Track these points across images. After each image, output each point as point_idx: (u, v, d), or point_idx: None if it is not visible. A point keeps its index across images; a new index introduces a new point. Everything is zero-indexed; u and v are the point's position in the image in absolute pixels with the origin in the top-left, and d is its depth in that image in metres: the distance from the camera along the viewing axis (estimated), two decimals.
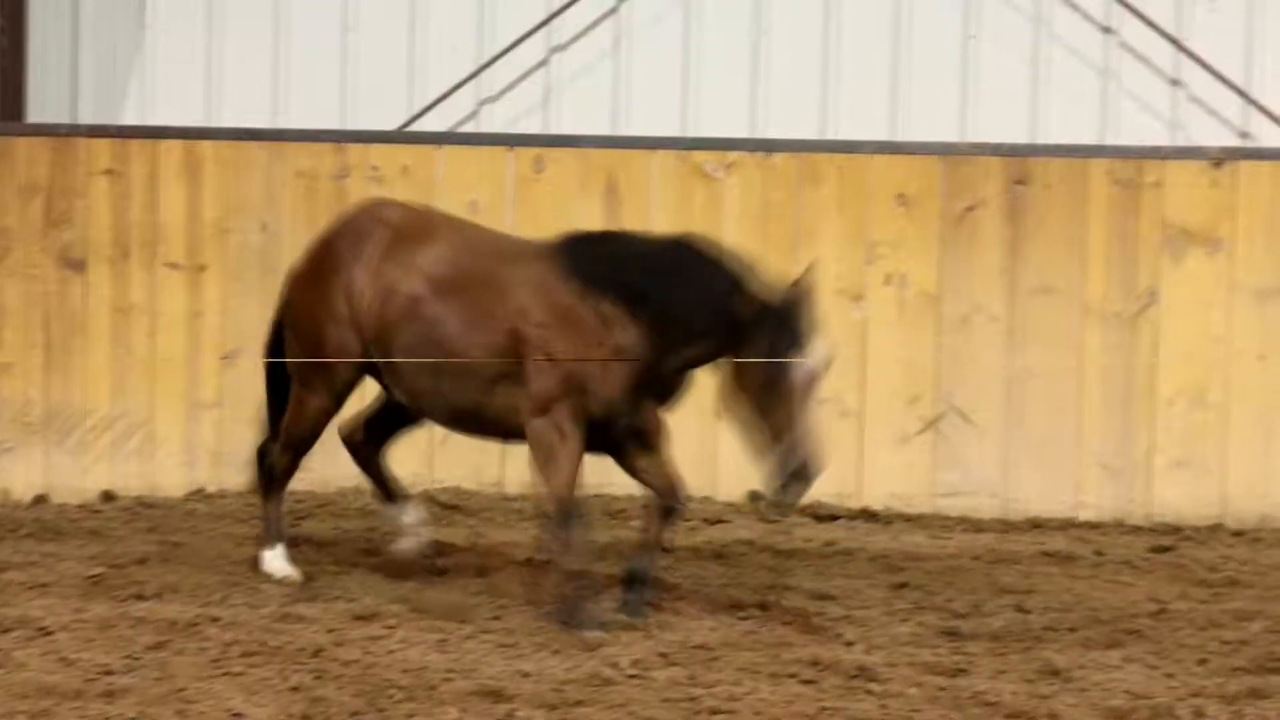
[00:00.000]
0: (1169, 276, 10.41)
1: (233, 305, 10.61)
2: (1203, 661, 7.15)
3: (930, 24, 11.60)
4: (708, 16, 11.76)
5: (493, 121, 11.85)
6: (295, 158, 10.70)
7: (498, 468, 10.51)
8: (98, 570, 8.50)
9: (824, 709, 6.38)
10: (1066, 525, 10.28)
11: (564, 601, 7.59)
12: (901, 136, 11.44)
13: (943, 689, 6.67)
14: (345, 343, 8.22)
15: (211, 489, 10.61)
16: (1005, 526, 10.26)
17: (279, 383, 8.66)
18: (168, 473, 10.68)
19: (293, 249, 10.47)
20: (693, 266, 7.65)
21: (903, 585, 8.58)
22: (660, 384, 7.82)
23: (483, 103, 11.85)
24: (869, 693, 6.62)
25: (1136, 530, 10.23)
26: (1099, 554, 9.56)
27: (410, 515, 8.73)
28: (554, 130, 11.71)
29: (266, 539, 8.60)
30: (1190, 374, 10.42)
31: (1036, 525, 10.27)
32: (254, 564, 8.59)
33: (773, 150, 10.61)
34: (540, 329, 7.73)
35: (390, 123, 11.52)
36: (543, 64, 11.86)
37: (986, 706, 6.46)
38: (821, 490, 10.27)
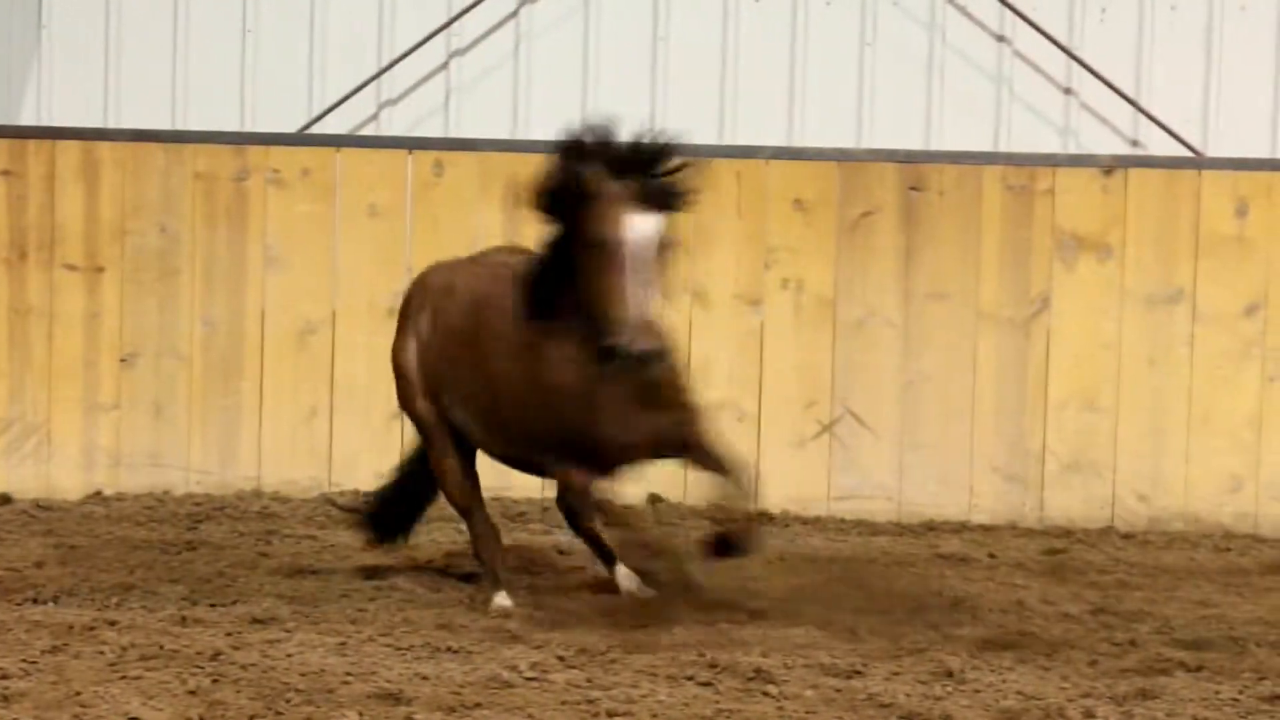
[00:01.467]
0: (1061, 282, 10.53)
1: (131, 307, 10.56)
2: (1093, 663, 7.22)
3: (827, 31, 11.67)
4: (606, 22, 11.79)
5: (393, 124, 11.84)
6: (194, 159, 10.66)
7: None
8: None
9: (721, 711, 6.41)
10: (960, 528, 10.37)
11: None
12: (799, 142, 11.50)
13: (838, 690, 6.71)
14: (421, 405, 8.33)
15: (109, 492, 10.56)
16: (900, 529, 10.34)
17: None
18: (65, 475, 10.62)
19: (191, 251, 10.50)
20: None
21: (799, 588, 8.62)
22: None
23: (383, 105, 11.84)
24: (766, 694, 6.64)
25: (1029, 533, 10.33)
26: (992, 556, 9.65)
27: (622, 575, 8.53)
28: (454, 133, 11.71)
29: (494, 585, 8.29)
30: (1081, 379, 10.54)
31: (931, 528, 10.36)
32: (152, 565, 8.54)
33: None
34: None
35: (291, 125, 11.50)
36: (443, 67, 11.87)
37: (882, 708, 6.50)
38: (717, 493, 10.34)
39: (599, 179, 7.26)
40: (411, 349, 8.29)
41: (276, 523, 10.00)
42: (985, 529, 10.37)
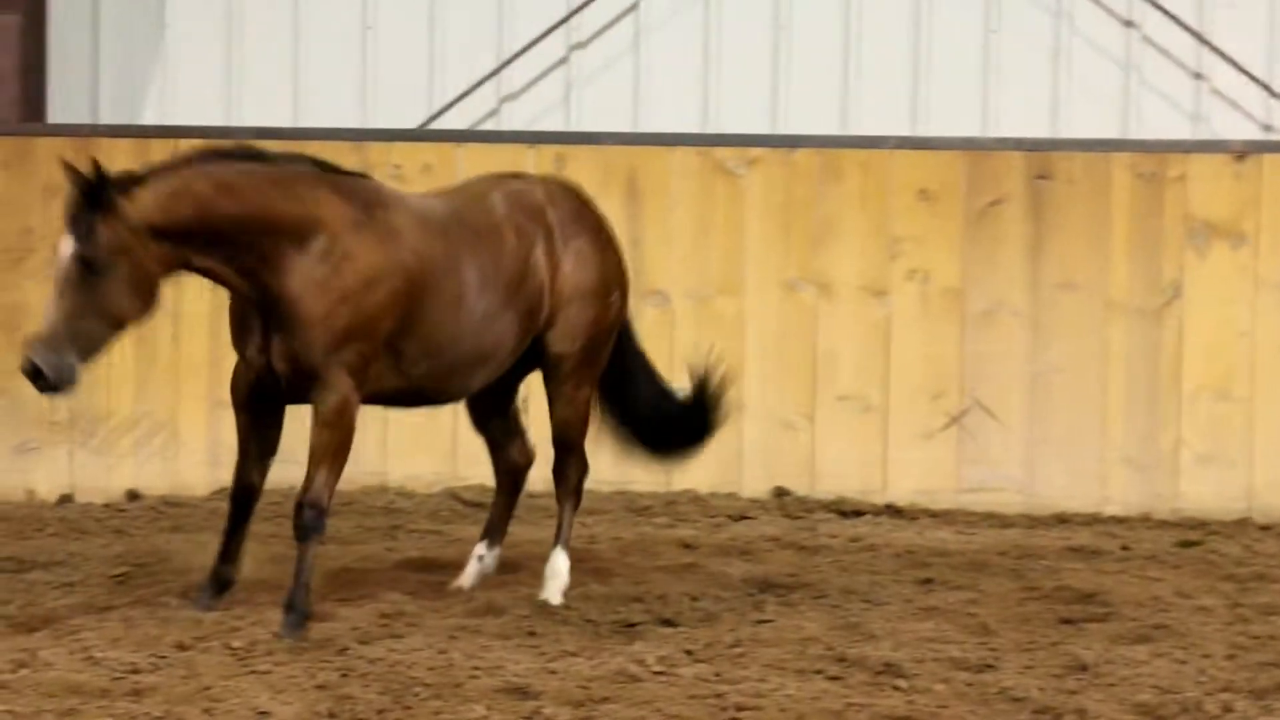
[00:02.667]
0: (1193, 270, 10.38)
1: None
2: (1231, 656, 7.12)
3: (951, 18, 11.57)
4: (728, 12, 11.74)
5: (513, 119, 11.84)
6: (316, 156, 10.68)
7: None
8: (123, 569, 8.50)
9: (850, 705, 6.36)
10: (1092, 520, 10.25)
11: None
12: (923, 132, 11.42)
13: (970, 685, 6.65)
14: None
15: None
16: (1031, 522, 10.23)
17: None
18: (191, 471, 10.68)
19: None
20: None
21: (928, 581, 8.56)
22: None
23: (503, 100, 11.84)
24: (895, 689, 6.60)
25: (1163, 525, 10.20)
26: (1125, 549, 9.53)
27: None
28: (574, 127, 11.69)
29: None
30: (1215, 368, 10.39)
31: (1062, 520, 10.24)
32: (279, 560, 8.58)
33: (795, 146, 10.59)
34: None
35: (411, 121, 11.51)
36: (563, 61, 11.85)
37: (1014, 702, 6.44)
38: (847, 486, 10.30)
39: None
40: None
41: (402, 518, 10.02)
42: (1118, 521, 10.25)
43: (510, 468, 8.55)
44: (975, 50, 11.58)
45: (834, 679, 6.72)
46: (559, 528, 8.26)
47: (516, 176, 8.53)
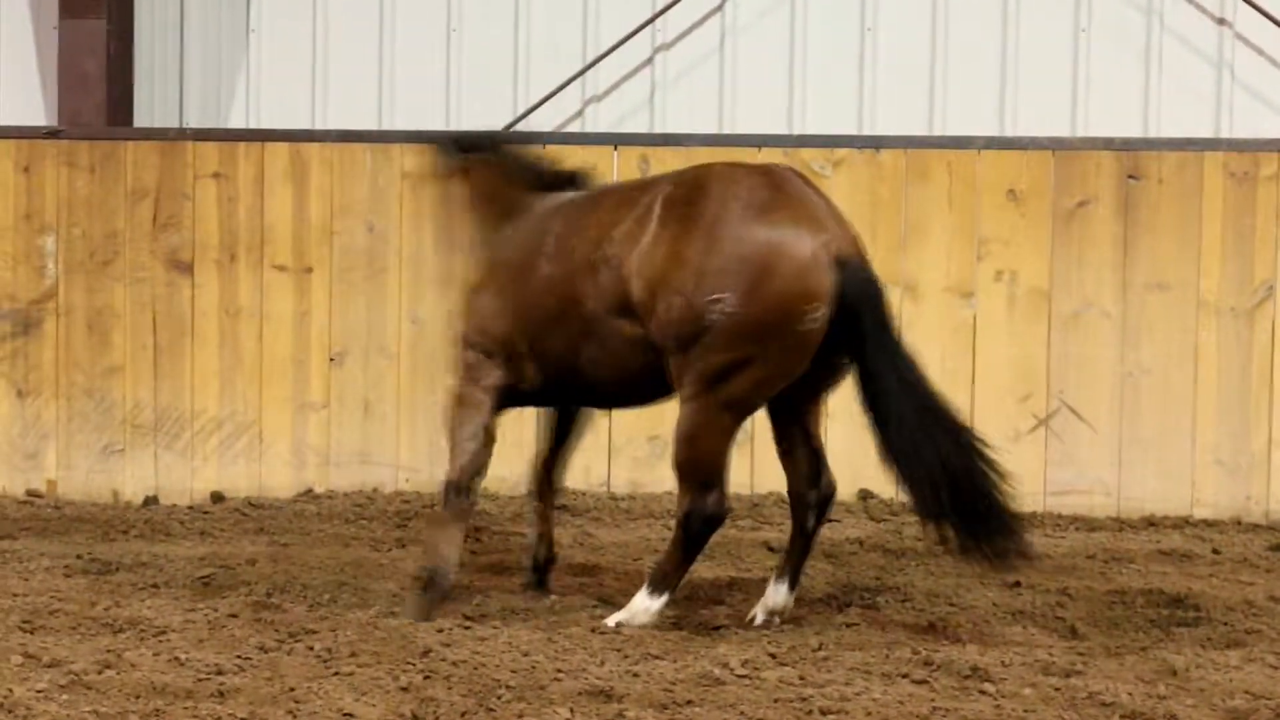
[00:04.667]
0: None
1: (339, 306, 10.63)
2: None
3: (1040, 17, 11.48)
4: (813, 13, 11.69)
5: (598, 121, 11.83)
6: (401, 159, 10.72)
7: (604, 467, 10.49)
8: (207, 571, 8.53)
9: (937, 709, 6.30)
10: (1182, 523, 10.15)
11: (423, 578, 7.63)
12: (1011, 131, 11.34)
13: (1058, 689, 6.57)
14: None
15: (319, 489, 10.65)
16: (1120, 525, 10.15)
17: None
18: (276, 474, 10.72)
19: (399, 250, 10.56)
20: None
21: (1015, 584, 8.48)
22: None
23: (588, 102, 11.83)
24: (983, 693, 6.53)
25: (1254, 528, 10.10)
26: (1216, 552, 9.43)
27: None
28: (660, 129, 11.68)
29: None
30: None
31: (1151, 523, 10.15)
32: (361, 564, 8.60)
33: (881, 147, 10.53)
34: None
35: (496, 122, 11.52)
36: (648, 62, 11.83)
37: (1103, 707, 6.36)
38: None
39: None
40: None
41: (485, 519, 10.01)
42: (1208, 524, 10.14)
43: (797, 499, 7.70)
44: (1065, 49, 11.48)
45: (920, 683, 6.66)
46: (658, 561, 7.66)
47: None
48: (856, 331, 7.11)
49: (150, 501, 10.66)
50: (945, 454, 7.09)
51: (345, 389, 10.64)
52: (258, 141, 10.86)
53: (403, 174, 10.70)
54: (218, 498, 10.63)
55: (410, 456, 10.65)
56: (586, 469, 10.49)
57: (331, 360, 10.66)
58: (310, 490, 10.68)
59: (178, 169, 10.77)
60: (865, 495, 10.32)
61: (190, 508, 10.44)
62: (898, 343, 7.20)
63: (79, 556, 8.97)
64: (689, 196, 7.30)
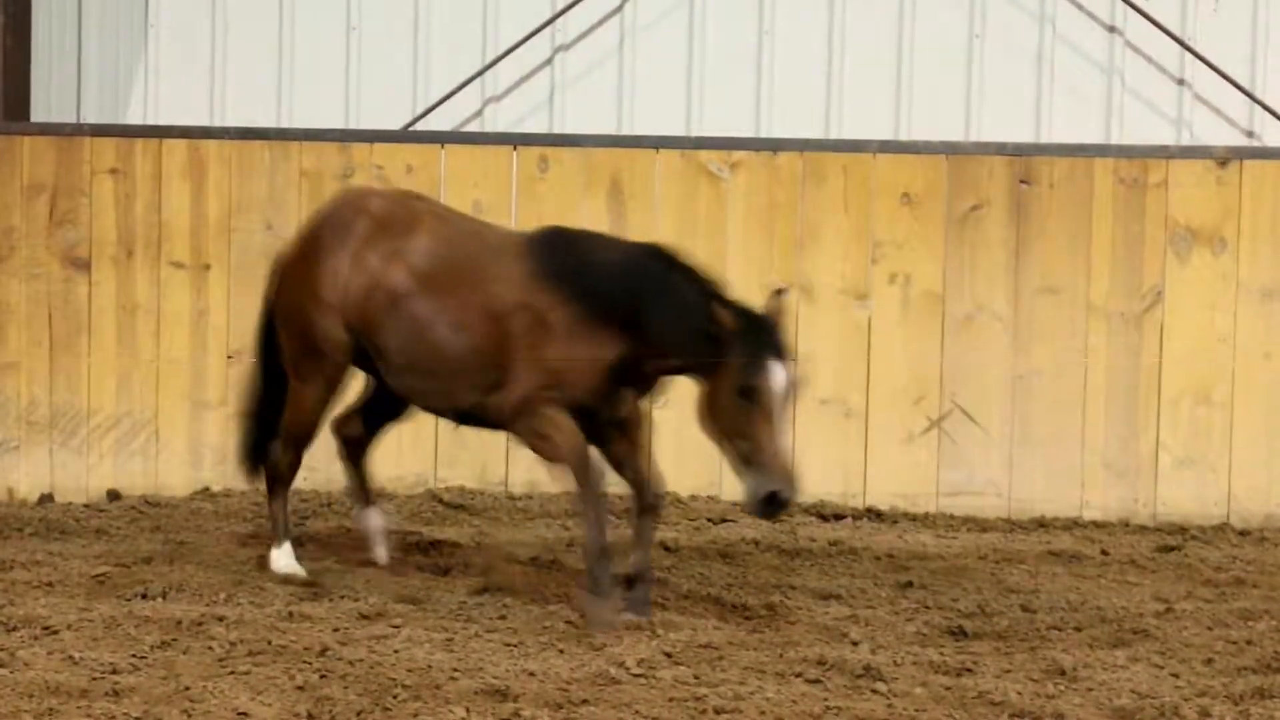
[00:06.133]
0: (1174, 276, 10.41)
1: (237, 304, 10.59)
2: (1209, 661, 7.14)
3: (935, 23, 11.59)
4: (711, 15, 11.75)
5: (497, 121, 11.84)
6: (300, 157, 10.70)
7: (502, 467, 10.51)
8: (103, 569, 8.49)
9: (830, 708, 6.37)
10: (1072, 525, 10.28)
11: (590, 581, 7.65)
12: (906, 136, 11.43)
13: (948, 688, 6.66)
14: (332, 332, 8.24)
15: (216, 488, 10.61)
16: (1010, 526, 10.26)
17: (272, 379, 8.66)
18: (173, 472, 10.68)
19: None
20: (666, 278, 7.66)
21: (908, 584, 8.57)
22: (639, 380, 7.86)
23: (487, 102, 11.84)
24: (875, 692, 6.61)
25: (1142, 530, 10.23)
26: (1105, 553, 9.55)
27: (378, 520, 8.81)
28: (558, 129, 11.70)
29: (274, 537, 8.62)
30: (1195, 373, 10.42)
31: (1042, 525, 10.27)
32: (261, 563, 8.59)
33: (778, 149, 10.60)
34: (523, 333, 7.78)
35: (395, 122, 11.51)
36: (547, 63, 11.85)
37: (992, 706, 6.45)
38: (826, 490, 10.32)
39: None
40: (342, 277, 8.20)
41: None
42: (1097, 525, 10.27)
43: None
44: (959, 54, 11.59)
45: (813, 682, 6.72)
46: None
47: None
48: None
49: (45, 499, 10.59)
50: None
51: (243, 387, 10.61)
52: (156, 138, 10.80)
53: (301, 172, 10.68)
54: (114, 496, 10.58)
55: (308, 456, 10.56)
56: (484, 468, 10.52)
57: (229, 358, 10.63)
58: (207, 489, 10.64)
59: (75, 165, 10.71)
60: None
61: (86, 506, 10.37)
62: None
63: None
64: None
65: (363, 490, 8.86)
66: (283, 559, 8.53)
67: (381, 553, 8.73)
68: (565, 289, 7.75)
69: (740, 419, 7.38)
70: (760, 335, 7.42)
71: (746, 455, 7.38)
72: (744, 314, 7.48)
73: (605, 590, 7.59)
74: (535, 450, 7.92)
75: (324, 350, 8.30)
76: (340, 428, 8.82)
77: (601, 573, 7.61)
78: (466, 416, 8.26)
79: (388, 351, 8.16)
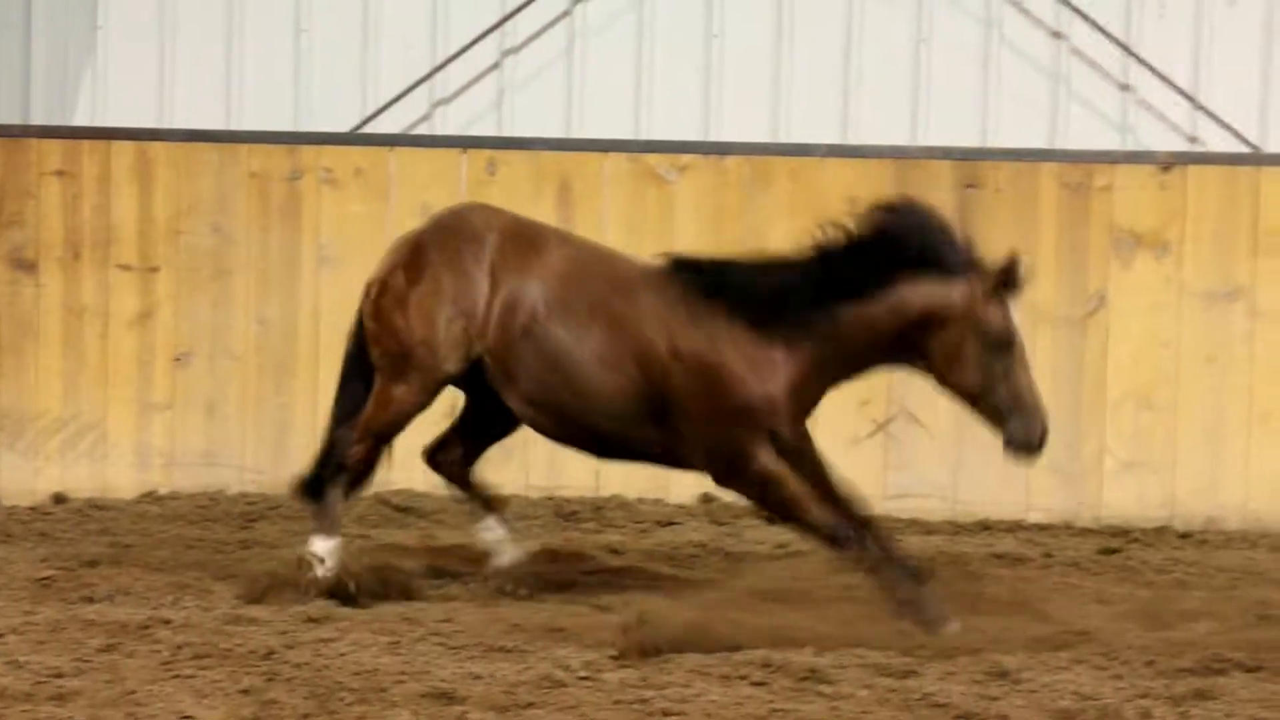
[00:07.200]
0: (1118, 280, 10.49)
1: (185, 307, 10.59)
2: (1150, 663, 7.17)
3: (881, 28, 11.61)
4: (660, 19, 11.75)
5: (446, 124, 11.83)
6: (248, 159, 10.70)
7: None
8: (48, 573, 8.47)
9: (775, 710, 6.39)
10: (1016, 527, 10.34)
11: (908, 606, 7.67)
12: (853, 140, 11.45)
13: (893, 690, 6.69)
14: (456, 343, 8.09)
15: (163, 491, 10.60)
16: (955, 528, 10.31)
17: (353, 382, 8.48)
18: (119, 475, 10.66)
19: (244, 250, 10.53)
20: (833, 267, 7.77)
21: (852, 586, 8.58)
22: (818, 392, 8.03)
23: (436, 105, 11.84)
24: (820, 694, 6.63)
25: (1085, 532, 10.30)
26: (1048, 556, 9.60)
27: (498, 530, 8.63)
28: (508, 132, 11.69)
29: (321, 529, 8.26)
30: (1138, 377, 10.49)
31: (986, 527, 10.33)
32: (205, 565, 8.58)
33: (725, 153, 10.64)
34: (695, 376, 7.78)
35: (344, 124, 11.50)
36: (496, 66, 11.85)
37: (936, 708, 6.48)
38: None
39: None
40: (480, 290, 8.07)
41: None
42: (1041, 528, 10.34)
43: None
44: (905, 59, 11.62)
45: (758, 684, 6.75)
46: None
47: None
48: None
49: None
50: None
51: (190, 390, 10.60)
52: (103, 140, 10.79)
53: (250, 174, 10.68)
54: (60, 499, 10.54)
55: (255, 458, 10.63)
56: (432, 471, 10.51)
57: (176, 361, 10.62)
58: (154, 492, 10.62)
59: (21, 166, 10.69)
60: (707, 499, 10.40)
61: (32, 509, 10.34)
62: None
63: None
64: None
65: (480, 502, 8.66)
66: (323, 549, 8.19)
67: (504, 562, 8.52)
68: (730, 313, 7.75)
69: (993, 370, 7.56)
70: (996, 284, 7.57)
71: (1005, 403, 7.58)
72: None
73: (929, 606, 7.66)
74: (765, 509, 7.99)
75: (434, 358, 8.11)
76: (436, 457, 8.64)
77: (918, 595, 7.69)
78: (608, 448, 8.25)
79: (517, 378, 8.05)
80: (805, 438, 8.04)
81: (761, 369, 7.73)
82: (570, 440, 8.25)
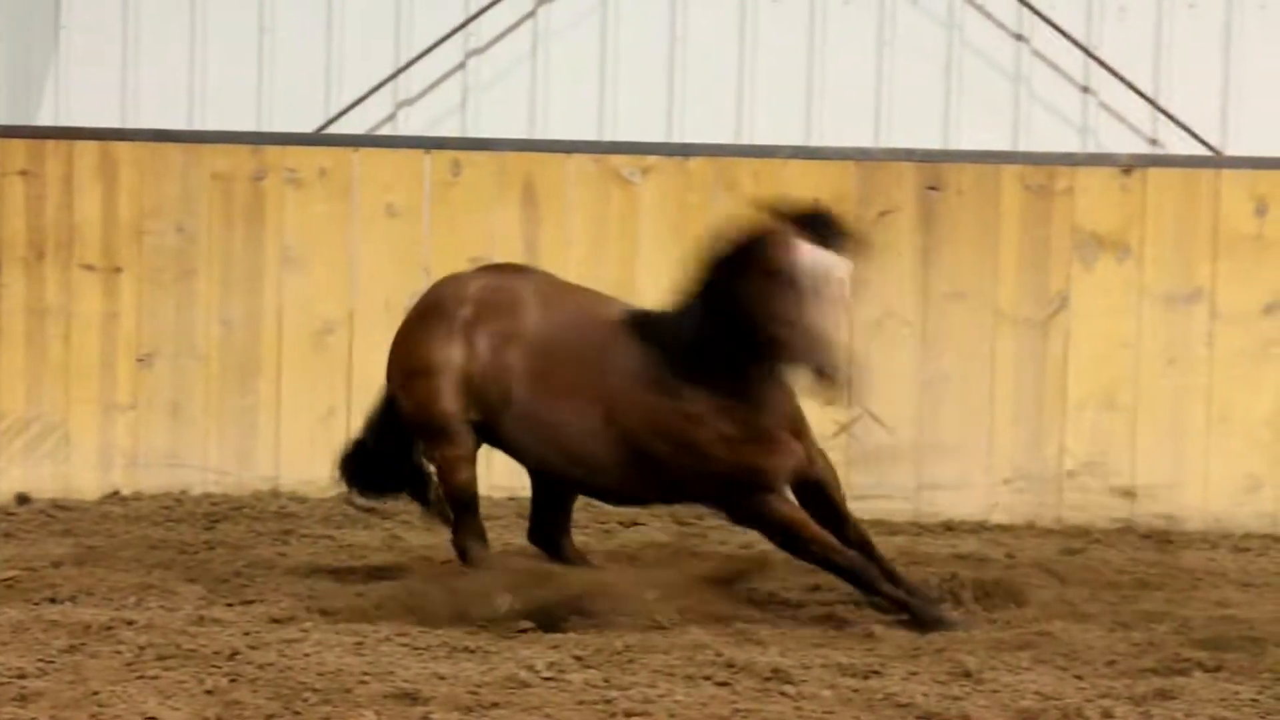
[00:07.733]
0: (1079, 282, 10.52)
1: (148, 307, 10.57)
2: (1111, 663, 7.20)
3: (845, 30, 11.65)
4: (624, 22, 11.78)
5: (410, 124, 11.84)
6: (212, 160, 10.69)
7: None
8: (11, 573, 8.45)
9: (738, 710, 6.40)
10: (979, 528, 10.36)
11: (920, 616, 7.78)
12: (816, 142, 11.49)
13: (856, 690, 6.70)
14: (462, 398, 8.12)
15: (127, 492, 10.58)
16: (918, 529, 10.33)
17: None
18: (83, 476, 10.64)
19: (208, 251, 10.52)
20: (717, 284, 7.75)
21: (816, 588, 8.61)
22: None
23: (400, 105, 11.84)
24: (783, 694, 6.64)
25: (1047, 533, 10.32)
26: (1010, 556, 9.63)
27: None
28: (471, 133, 11.70)
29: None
30: (1100, 378, 10.53)
31: (949, 528, 10.35)
32: (171, 565, 8.57)
33: (689, 155, 10.66)
34: (685, 435, 7.79)
35: (308, 125, 11.50)
36: (461, 67, 11.86)
37: (899, 708, 6.49)
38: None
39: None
40: (459, 353, 8.08)
41: (294, 522, 10.01)
42: (1003, 529, 10.37)
43: None
44: (868, 61, 11.66)
45: (722, 685, 6.75)
46: None
47: None
48: None
49: None
50: None
51: (154, 391, 10.58)
52: (66, 139, 10.77)
53: (213, 175, 10.67)
54: (23, 499, 10.52)
55: (219, 459, 10.61)
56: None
57: (140, 361, 10.60)
58: (117, 492, 10.61)
59: None
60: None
61: None
62: None
63: None
64: None
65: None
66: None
67: None
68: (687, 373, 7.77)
69: (786, 312, 7.47)
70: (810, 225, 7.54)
71: (798, 342, 7.48)
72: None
73: (930, 606, 7.84)
74: (789, 552, 8.05)
75: (450, 419, 8.16)
76: (536, 539, 8.56)
77: (923, 604, 7.83)
78: (626, 502, 8.43)
79: (516, 448, 8.18)
80: (813, 461, 8.15)
81: (735, 429, 7.77)
82: (587, 495, 8.41)
